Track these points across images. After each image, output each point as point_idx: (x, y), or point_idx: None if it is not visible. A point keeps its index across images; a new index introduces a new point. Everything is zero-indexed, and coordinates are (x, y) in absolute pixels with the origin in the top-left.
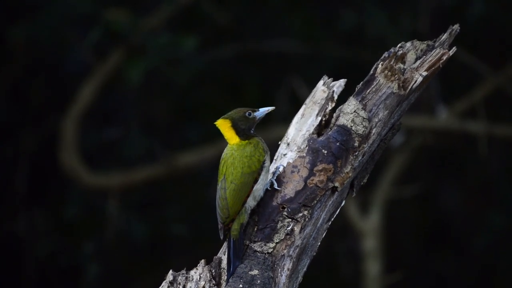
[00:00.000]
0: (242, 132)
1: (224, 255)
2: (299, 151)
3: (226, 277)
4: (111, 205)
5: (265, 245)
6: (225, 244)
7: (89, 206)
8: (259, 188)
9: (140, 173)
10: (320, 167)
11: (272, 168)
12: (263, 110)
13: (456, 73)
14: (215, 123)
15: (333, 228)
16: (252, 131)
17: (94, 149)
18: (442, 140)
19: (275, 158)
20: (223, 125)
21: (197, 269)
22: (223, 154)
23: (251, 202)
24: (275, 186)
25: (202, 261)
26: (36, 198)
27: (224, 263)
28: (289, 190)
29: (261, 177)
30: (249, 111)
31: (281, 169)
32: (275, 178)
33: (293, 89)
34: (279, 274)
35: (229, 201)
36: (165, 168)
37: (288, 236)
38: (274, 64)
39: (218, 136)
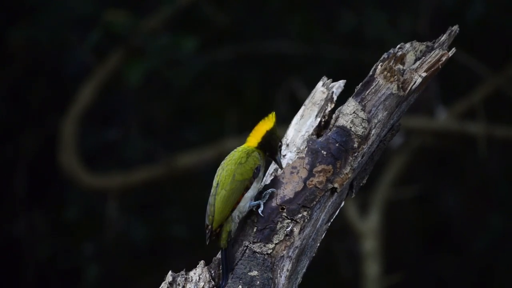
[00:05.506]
0: (264, 146)
1: None
2: (298, 152)
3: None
4: (110, 206)
5: (264, 246)
6: None
7: (88, 207)
8: (249, 196)
9: (140, 174)
10: (319, 168)
11: (263, 181)
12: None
13: (455, 74)
14: (269, 117)
15: (333, 229)
16: (267, 154)
17: (94, 150)
18: (441, 141)
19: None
20: (261, 129)
21: (196, 270)
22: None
23: (239, 210)
24: (260, 210)
25: (201, 262)
26: (35, 199)
27: None
28: (289, 191)
29: (253, 185)
30: (280, 146)
31: (270, 191)
32: (264, 201)
33: (292, 90)
34: (278, 275)
35: (217, 207)
36: (165, 170)
37: (287, 237)
38: (273, 65)
39: (218, 138)
